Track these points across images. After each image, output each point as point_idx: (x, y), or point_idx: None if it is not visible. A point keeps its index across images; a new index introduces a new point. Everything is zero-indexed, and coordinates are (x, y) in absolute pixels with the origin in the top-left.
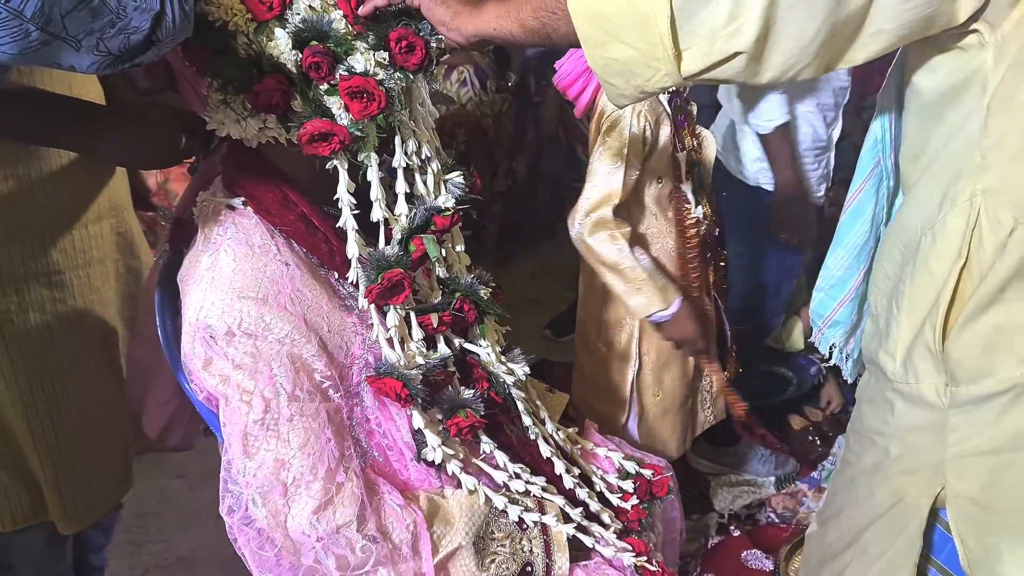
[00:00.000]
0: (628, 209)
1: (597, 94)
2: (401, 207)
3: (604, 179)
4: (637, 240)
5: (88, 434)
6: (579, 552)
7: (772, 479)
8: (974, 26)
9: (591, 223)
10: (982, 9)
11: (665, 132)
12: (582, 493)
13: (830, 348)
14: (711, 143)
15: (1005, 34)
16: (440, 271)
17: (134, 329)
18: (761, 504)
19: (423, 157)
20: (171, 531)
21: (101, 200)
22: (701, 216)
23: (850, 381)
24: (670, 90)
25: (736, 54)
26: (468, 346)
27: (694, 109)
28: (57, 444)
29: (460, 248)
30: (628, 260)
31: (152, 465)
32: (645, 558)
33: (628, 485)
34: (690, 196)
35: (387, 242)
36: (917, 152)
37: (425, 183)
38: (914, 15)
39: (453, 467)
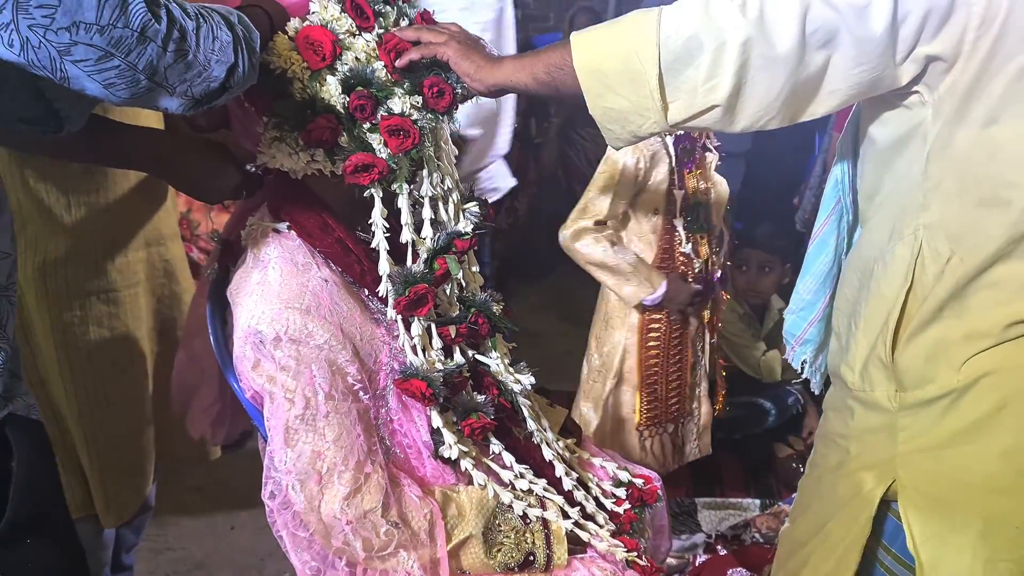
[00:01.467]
0: (624, 234)
1: None
2: (426, 231)
3: (592, 200)
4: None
5: (126, 436)
6: (576, 546)
7: (757, 501)
8: (916, 88)
9: (572, 232)
10: (921, 75)
11: (661, 170)
12: (579, 495)
13: (802, 363)
14: (723, 189)
15: (941, 95)
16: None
17: (182, 344)
18: (746, 524)
19: (445, 188)
20: (188, 539)
21: (151, 229)
22: (690, 252)
23: (817, 392)
24: (662, 135)
25: (713, 107)
26: (480, 357)
27: (710, 156)
28: (104, 443)
29: (475, 269)
30: (612, 258)
31: (171, 479)
32: (635, 554)
33: (621, 492)
34: (680, 231)
35: (413, 261)
36: (871, 192)
37: (447, 211)
38: (863, 78)
39: (466, 464)
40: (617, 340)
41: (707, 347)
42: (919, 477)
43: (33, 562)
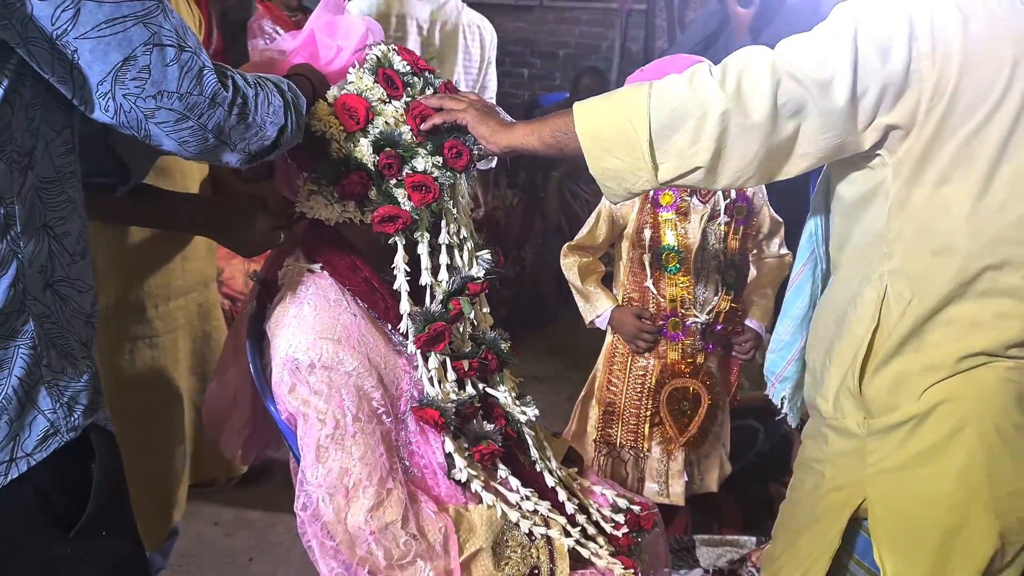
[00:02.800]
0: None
1: None
2: (443, 275)
3: (582, 230)
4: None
5: (163, 465)
6: (577, 563)
7: (754, 538)
8: (877, 152)
9: (563, 251)
10: (882, 141)
11: (632, 212)
12: (580, 518)
13: (781, 399)
14: (695, 236)
15: (900, 158)
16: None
17: (216, 375)
18: (743, 560)
19: (461, 237)
20: (208, 571)
21: (194, 277)
22: (652, 289)
23: (794, 426)
24: (652, 189)
25: (697, 168)
26: (489, 391)
27: (700, 208)
28: (144, 474)
29: (486, 310)
30: (576, 279)
31: (191, 513)
32: (632, 571)
33: (619, 517)
34: (647, 268)
35: (431, 302)
36: (842, 243)
37: (462, 257)
38: (829, 143)
39: (476, 486)
40: (614, 373)
41: (718, 401)
42: (886, 495)
43: (108, 550)
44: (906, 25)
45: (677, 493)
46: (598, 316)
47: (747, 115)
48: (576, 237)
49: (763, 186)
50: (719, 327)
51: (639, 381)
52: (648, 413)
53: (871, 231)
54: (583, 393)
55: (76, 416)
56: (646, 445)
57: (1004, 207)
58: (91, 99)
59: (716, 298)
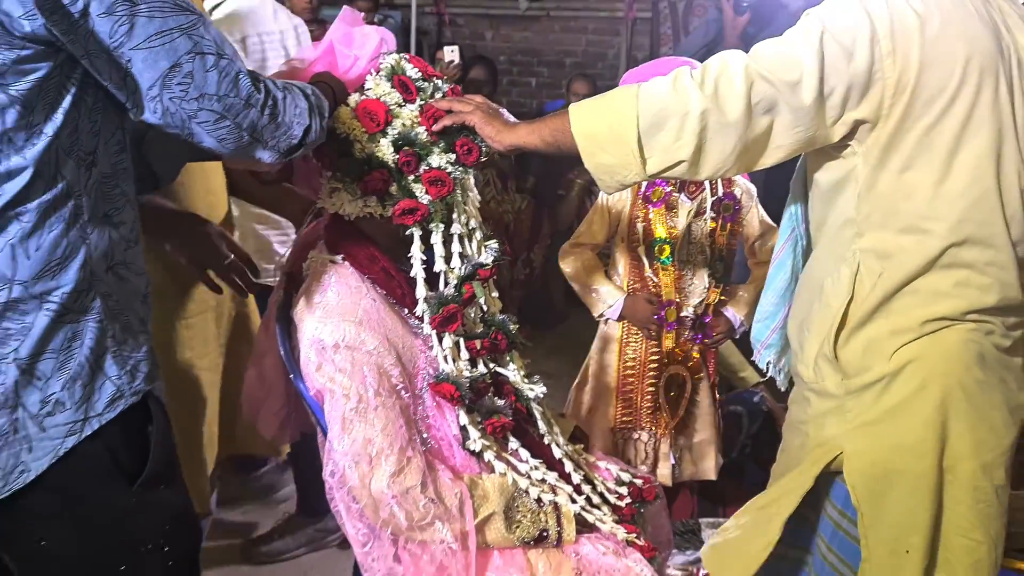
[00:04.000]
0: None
1: None
2: (455, 262)
3: (580, 227)
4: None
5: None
6: (583, 528)
7: None
8: (848, 143)
9: (561, 252)
10: (852, 133)
11: (625, 205)
12: (586, 488)
13: (767, 364)
14: (682, 230)
15: (868, 148)
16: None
17: (252, 363)
18: None
19: (470, 227)
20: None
21: None
22: (654, 278)
23: (783, 389)
24: (644, 182)
25: (680, 161)
26: (499, 369)
27: (687, 203)
28: (188, 448)
29: (495, 295)
30: (580, 275)
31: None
32: (635, 535)
33: (623, 489)
34: (644, 259)
35: (444, 287)
36: (819, 224)
37: (471, 245)
38: (800, 137)
39: (489, 456)
40: (608, 359)
41: (702, 388)
42: (862, 446)
43: (166, 504)
44: (868, 29)
45: (664, 475)
46: (610, 307)
47: (724, 114)
48: (574, 236)
49: (753, 187)
50: (707, 318)
51: (632, 368)
52: (645, 399)
53: (844, 214)
54: (576, 380)
55: (138, 382)
56: (641, 428)
57: (964, 191)
58: (142, 103)
59: (705, 291)
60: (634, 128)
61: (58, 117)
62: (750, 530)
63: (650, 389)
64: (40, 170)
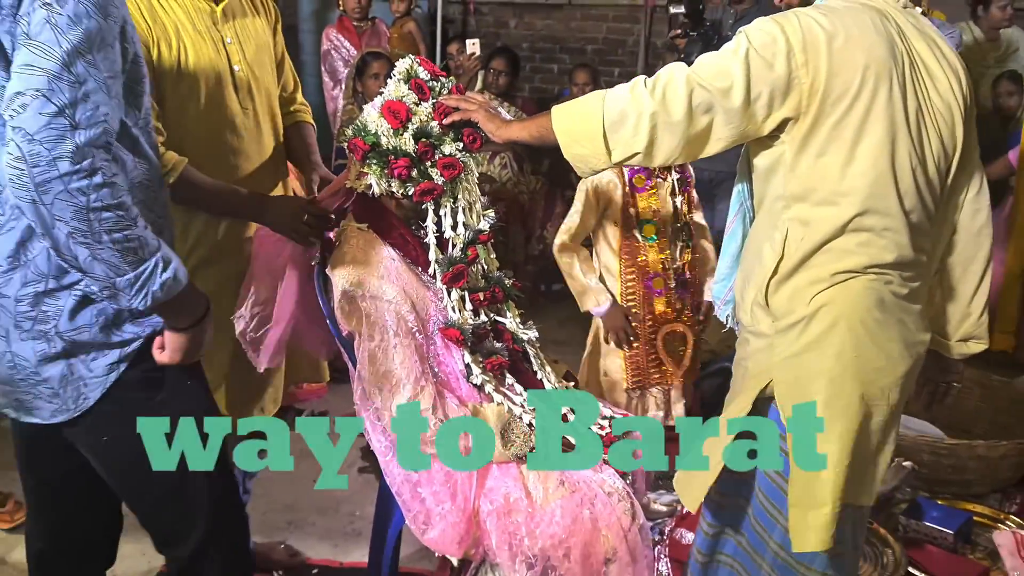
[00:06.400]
0: (598, 246)
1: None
2: (460, 229)
3: (570, 216)
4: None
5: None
6: (568, 448)
7: None
8: (778, 135)
9: (557, 246)
10: (780, 128)
11: (617, 194)
12: (571, 417)
13: (727, 317)
14: (666, 208)
15: (792, 138)
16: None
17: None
18: None
19: (471, 201)
20: (277, 490)
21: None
22: (645, 256)
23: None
24: (611, 168)
25: (636, 152)
26: (498, 318)
27: (663, 183)
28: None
29: (493, 255)
30: (578, 275)
31: None
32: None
33: (605, 422)
34: (640, 239)
35: (452, 249)
36: (759, 199)
37: (472, 216)
38: (735, 131)
39: (488, 388)
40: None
41: (691, 342)
42: (787, 375)
43: (193, 394)
44: (784, 44)
45: (679, 413)
46: (597, 307)
47: (670, 114)
48: (567, 231)
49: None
50: (688, 275)
51: (652, 331)
52: (649, 358)
53: (776, 191)
54: (587, 351)
55: (147, 328)
56: (651, 384)
57: (865, 171)
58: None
59: (680, 255)
60: (600, 126)
61: None
62: (703, 456)
63: (652, 350)
64: None
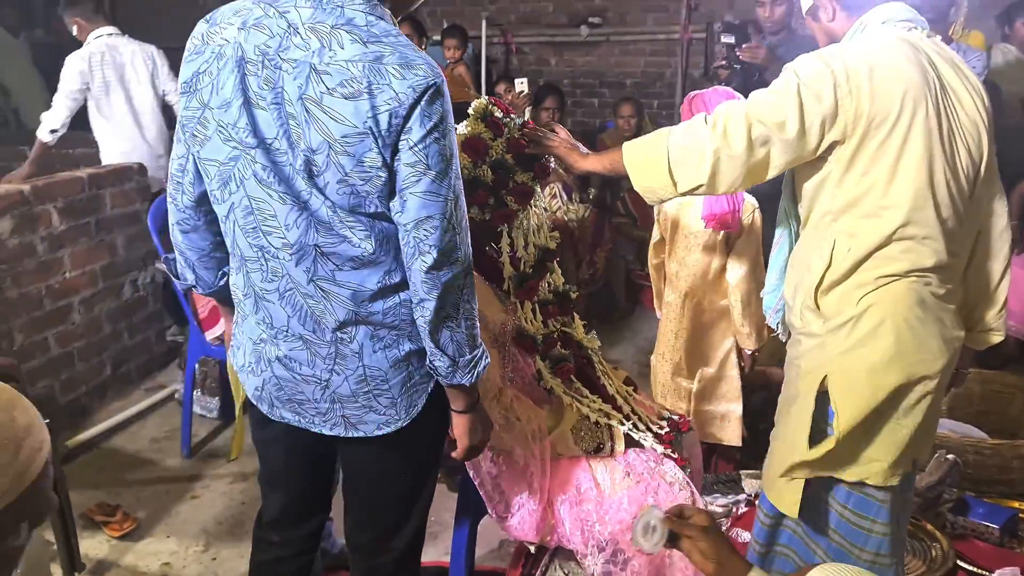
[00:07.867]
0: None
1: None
2: (530, 249)
3: (659, 233)
4: None
5: None
6: (630, 444)
7: None
8: (826, 156)
9: (653, 252)
10: (829, 150)
11: (669, 217)
12: (633, 416)
13: (777, 324)
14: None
15: (838, 158)
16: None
17: None
18: None
19: (539, 223)
20: None
21: None
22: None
23: (784, 340)
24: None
25: (700, 184)
26: (565, 328)
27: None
28: None
29: (559, 271)
30: (658, 281)
31: None
32: (671, 451)
33: (663, 422)
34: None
35: (523, 267)
36: (805, 216)
37: (540, 236)
38: (790, 158)
39: (558, 391)
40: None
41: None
42: (839, 369)
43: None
44: (831, 77)
45: (734, 433)
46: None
47: (731, 148)
48: (657, 239)
49: None
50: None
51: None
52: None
53: (824, 207)
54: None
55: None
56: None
57: (906, 187)
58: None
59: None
60: (665, 160)
61: None
62: (779, 459)
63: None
64: None
